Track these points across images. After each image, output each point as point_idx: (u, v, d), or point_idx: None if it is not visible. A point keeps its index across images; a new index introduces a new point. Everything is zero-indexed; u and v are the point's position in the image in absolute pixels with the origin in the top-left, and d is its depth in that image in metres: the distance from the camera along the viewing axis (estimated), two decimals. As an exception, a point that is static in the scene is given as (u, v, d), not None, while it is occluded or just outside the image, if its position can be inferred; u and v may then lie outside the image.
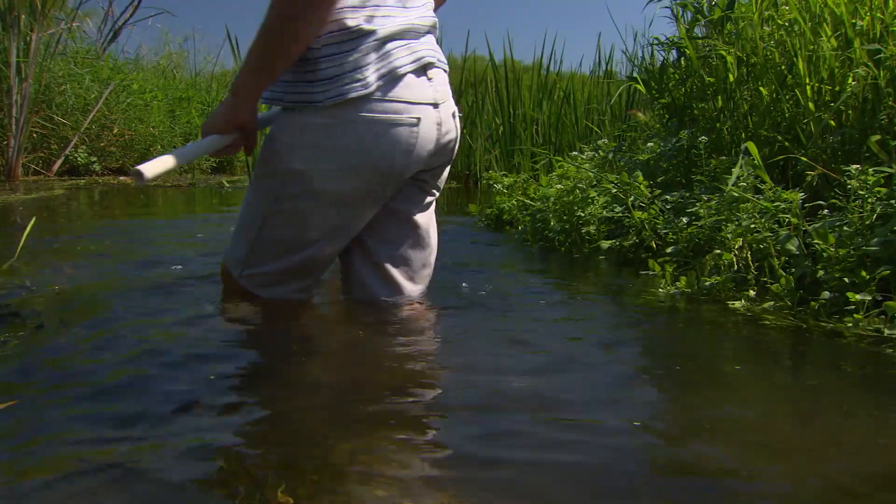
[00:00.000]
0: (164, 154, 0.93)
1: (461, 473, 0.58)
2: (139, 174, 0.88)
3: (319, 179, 0.94)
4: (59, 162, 4.20)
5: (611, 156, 1.96)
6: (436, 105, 0.97)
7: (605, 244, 1.58)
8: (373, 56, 0.92)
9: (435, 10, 1.06)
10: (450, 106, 1.02)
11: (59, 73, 4.15)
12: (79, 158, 4.31)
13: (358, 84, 0.90)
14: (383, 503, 0.52)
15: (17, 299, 1.11)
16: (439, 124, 0.98)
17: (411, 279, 1.07)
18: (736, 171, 1.26)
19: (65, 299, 1.14)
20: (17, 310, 1.03)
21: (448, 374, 0.84)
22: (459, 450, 0.62)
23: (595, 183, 1.68)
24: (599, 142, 2.07)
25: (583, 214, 1.64)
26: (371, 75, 0.91)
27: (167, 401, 0.71)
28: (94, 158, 4.41)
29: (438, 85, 0.99)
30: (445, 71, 1.02)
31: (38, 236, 1.74)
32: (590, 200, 1.64)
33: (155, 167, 0.90)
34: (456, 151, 1.07)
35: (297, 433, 0.65)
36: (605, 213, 1.62)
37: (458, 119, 1.05)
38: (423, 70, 0.97)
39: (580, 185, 1.68)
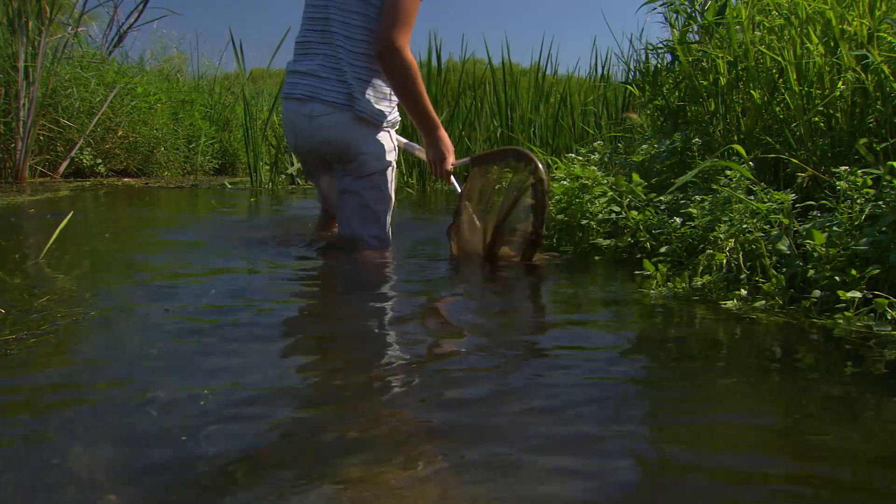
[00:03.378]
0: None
1: (453, 462, 0.61)
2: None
3: None
4: (65, 164, 4.25)
5: (606, 157, 1.99)
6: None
7: (603, 243, 1.60)
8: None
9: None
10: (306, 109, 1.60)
11: (66, 77, 4.20)
12: (84, 160, 4.35)
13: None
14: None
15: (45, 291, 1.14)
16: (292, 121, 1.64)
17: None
18: (705, 164, 1.29)
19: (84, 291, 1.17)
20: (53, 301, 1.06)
21: (431, 369, 0.87)
22: (442, 435, 0.65)
23: (597, 183, 1.70)
24: (595, 143, 2.10)
25: (586, 209, 1.67)
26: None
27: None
28: (99, 160, 4.45)
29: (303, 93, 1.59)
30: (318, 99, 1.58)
31: (43, 234, 1.78)
32: (594, 200, 1.67)
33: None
34: (328, 142, 1.60)
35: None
36: (603, 213, 1.64)
37: (317, 119, 1.58)
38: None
39: (586, 182, 1.70)
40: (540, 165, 1.50)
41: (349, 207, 1.63)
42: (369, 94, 1.57)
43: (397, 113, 1.67)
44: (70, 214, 1.63)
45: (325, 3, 1.55)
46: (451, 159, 1.65)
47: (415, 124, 1.64)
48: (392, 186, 1.67)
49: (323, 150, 1.61)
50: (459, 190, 1.68)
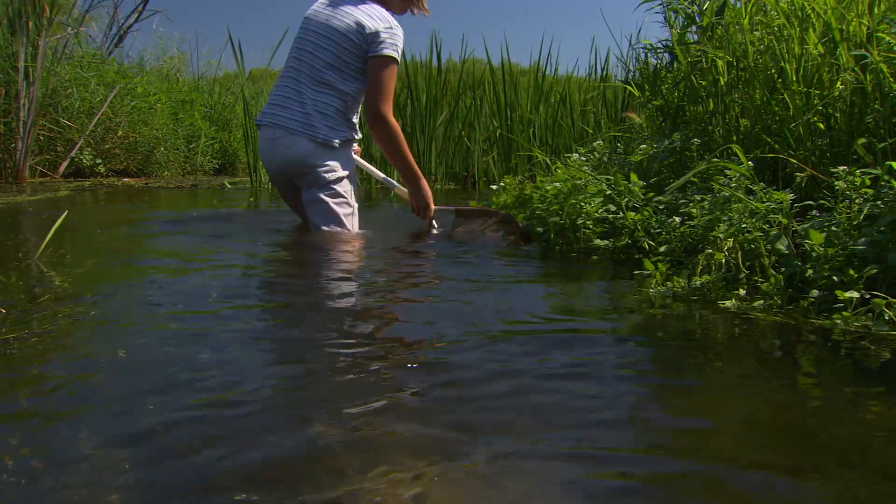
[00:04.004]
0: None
1: (444, 459, 0.61)
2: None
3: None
4: (65, 164, 4.25)
5: (605, 157, 1.99)
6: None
7: (600, 243, 1.60)
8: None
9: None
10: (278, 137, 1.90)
11: (66, 78, 4.20)
12: (84, 160, 4.36)
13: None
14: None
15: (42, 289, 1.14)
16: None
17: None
18: (703, 166, 1.29)
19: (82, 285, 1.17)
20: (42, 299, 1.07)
21: (423, 368, 0.87)
22: (433, 438, 0.66)
23: (593, 181, 1.71)
24: (594, 143, 2.11)
25: (582, 209, 1.67)
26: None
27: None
28: (99, 160, 4.46)
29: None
30: (287, 129, 1.87)
31: (36, 234, 1.78)
32: (588, 200, 1.67)
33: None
34: (287, 160, 1.88)
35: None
36: (600, 212, 1.65)
37: (285, 145, 1.87)
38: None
39: (578, 182, 1.71)
40: (524, 230, 1.81)
41: (315, 214, 1.89)
42: (327, 122, 1.86)
43: (354, 138, 1.94)
44: (64, 214, 1.65)
45: (302, 47, 1.88)
46: (432, 206, 1.96)
47: (400, 177, 1.96)
48: (351, 196, 1.93)
49: (285, 169, 1.90)
50: (436, 232, 1.94)
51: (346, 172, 1.90)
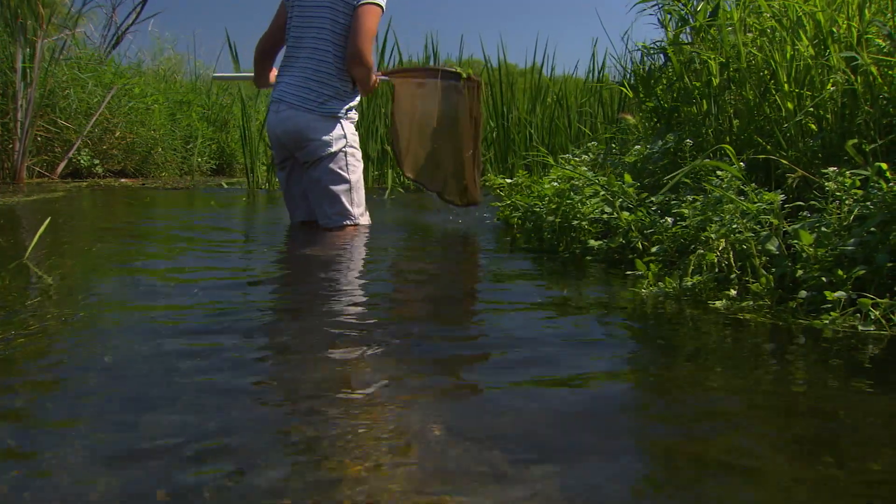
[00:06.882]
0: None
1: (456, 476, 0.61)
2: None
3: None
4: (63, 164, 4.25)
5: (600, 158, 1.99)
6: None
7: (595, 244, 1.61)
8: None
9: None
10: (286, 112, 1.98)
11: (63, 79, 4.21)
12: (82, 161, 4.36)
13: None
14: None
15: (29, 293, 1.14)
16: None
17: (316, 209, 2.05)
18: (694, 164, 1.29)
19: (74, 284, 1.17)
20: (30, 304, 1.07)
21: (423, 372, 0.88)
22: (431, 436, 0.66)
23: (590, 182, 1.71)
24: (589, 144, 2.11)
25: (577, 210, 1.67)
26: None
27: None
28: (96, 161, 4.46)
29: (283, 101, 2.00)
30: (293, 105, 1.96)
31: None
32: (585, 201, 1.67)
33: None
34: (287, 132, 1.97)
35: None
36: (595, 213, 1.65)
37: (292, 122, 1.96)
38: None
39: (576, 183, 1.70)
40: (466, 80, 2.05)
41: (316, 193, 1.99)
42: (326, 93, 1.95)
43: (354, 111, 2.02)
44: (47, 221, 1.66)
45: (300, 24, 1.98)
46: (375, 79, 2.10)
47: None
48: (349, 169, 1.97)
49: (284, 140, 1.98)
50: (387, 77, 2.14)
51: (340, 146, 1.95)
